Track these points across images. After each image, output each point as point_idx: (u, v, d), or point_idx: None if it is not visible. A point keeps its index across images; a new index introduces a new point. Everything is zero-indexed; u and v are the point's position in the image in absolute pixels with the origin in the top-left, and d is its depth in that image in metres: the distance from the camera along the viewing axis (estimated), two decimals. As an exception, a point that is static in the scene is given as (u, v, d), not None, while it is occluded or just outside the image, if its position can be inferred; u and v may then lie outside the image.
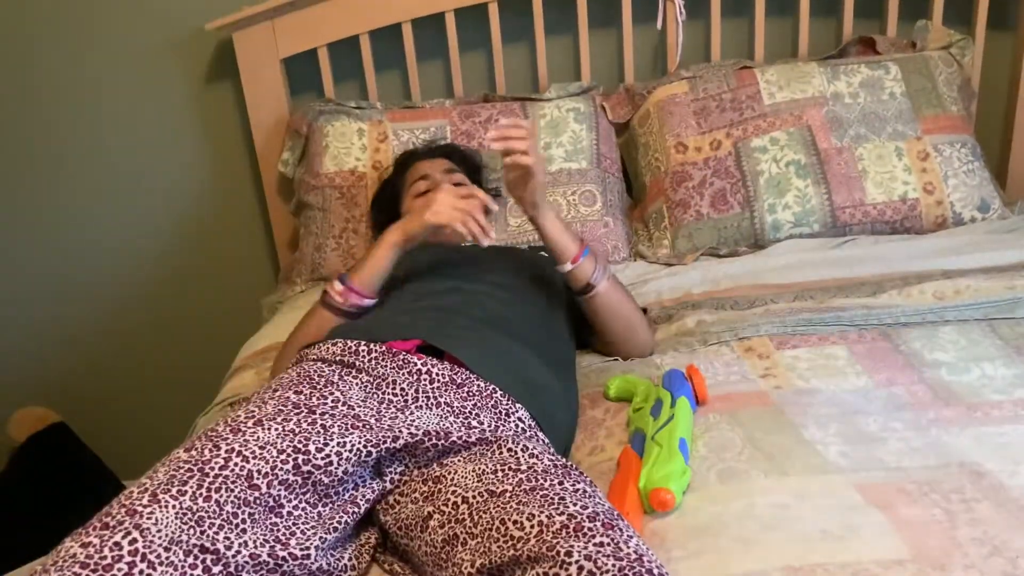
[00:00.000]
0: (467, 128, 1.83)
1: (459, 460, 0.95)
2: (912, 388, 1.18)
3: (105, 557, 0.75)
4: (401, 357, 1.08)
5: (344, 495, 0.95)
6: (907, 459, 1.01)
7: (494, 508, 0.85)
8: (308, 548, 0.87)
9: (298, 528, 0.89)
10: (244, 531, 0.85)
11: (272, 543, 0.86)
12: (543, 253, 1.53)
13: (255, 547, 0.84)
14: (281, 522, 0.89)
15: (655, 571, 0.75)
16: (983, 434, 1.06)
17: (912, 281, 1.47)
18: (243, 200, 2.09)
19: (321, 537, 0.89)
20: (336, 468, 0.92)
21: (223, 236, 2.12)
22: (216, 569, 0.80)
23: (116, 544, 0.76)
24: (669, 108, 1.83)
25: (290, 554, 0.86)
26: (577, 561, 0.75)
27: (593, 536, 0.77)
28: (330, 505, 0.93)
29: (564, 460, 0.94)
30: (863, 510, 0.92)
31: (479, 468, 0.92)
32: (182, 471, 0.85)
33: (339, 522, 0.92)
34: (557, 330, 1.31)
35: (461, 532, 0.86)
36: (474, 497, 0.88)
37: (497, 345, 1.16)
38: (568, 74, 1.98)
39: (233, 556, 0.82)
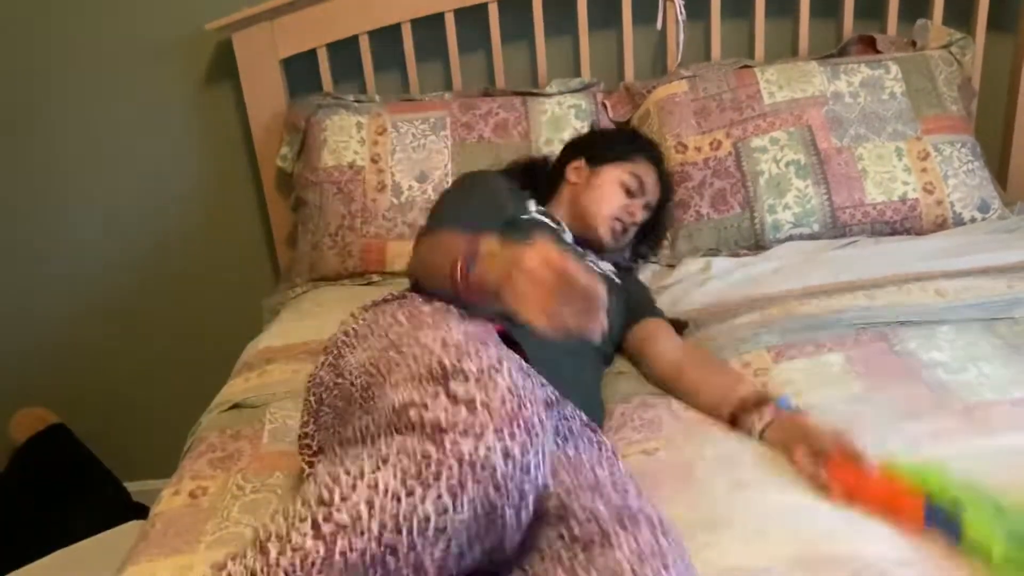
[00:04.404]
0: (467, 120, 1.83)
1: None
2: (910, 388, 1.18)
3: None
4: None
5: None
6: (907, 459, 1.02)
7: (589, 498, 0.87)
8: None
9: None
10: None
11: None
12: (612, 269, 1.51)
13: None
14: None
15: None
16: (981, 433, 1.06)
17: (911, 281, 1.46)
18: (243, 200, 2.09)
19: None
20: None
21: (223, 236, 2.11)
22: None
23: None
24: (669, 108, 1.83)
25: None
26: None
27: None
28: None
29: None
30: (866, 509, 0.93)
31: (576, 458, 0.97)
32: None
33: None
34: (603, 345, 1.34)
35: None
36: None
37: (558, 348, 1.15)
38: (568, 74, 1.98)
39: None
